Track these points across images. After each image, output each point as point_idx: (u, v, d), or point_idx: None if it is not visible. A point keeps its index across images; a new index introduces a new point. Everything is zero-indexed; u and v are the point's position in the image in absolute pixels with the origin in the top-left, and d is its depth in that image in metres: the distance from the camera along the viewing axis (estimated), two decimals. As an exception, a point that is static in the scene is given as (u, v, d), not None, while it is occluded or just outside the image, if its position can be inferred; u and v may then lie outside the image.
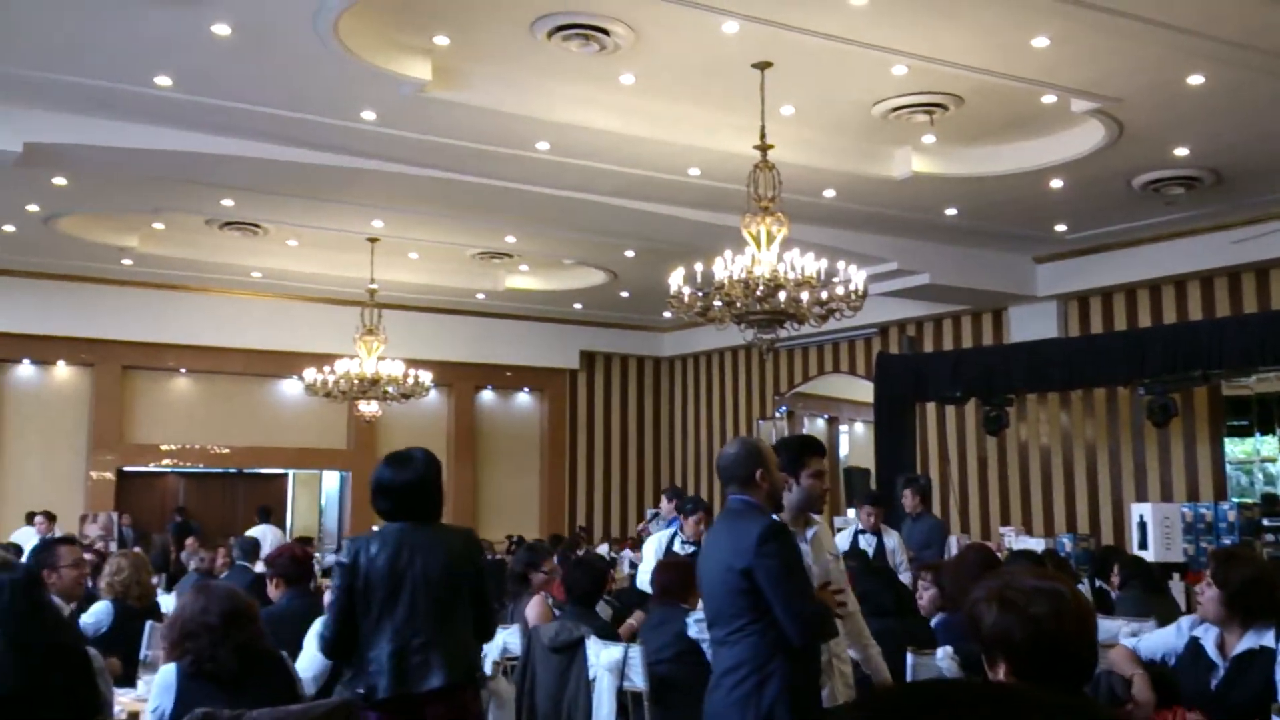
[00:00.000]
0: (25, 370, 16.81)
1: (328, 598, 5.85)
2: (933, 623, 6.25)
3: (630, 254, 15.11)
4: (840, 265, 9.07)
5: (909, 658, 5.64)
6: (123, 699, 5.03)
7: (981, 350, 15.03)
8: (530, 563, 7.52)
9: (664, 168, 11.18)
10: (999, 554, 8.11)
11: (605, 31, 8.55)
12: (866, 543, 9.50)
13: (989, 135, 10.91)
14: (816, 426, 20.50)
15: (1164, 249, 13.49)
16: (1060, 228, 13.41)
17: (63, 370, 17.00)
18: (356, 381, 14.70)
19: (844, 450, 21.06)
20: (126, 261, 15.42)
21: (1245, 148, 10.57)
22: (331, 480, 19.74)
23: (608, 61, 9.14)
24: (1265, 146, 10.55)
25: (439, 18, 8.56)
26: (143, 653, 5.80)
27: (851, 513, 16.80)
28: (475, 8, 8.40)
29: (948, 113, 10.10)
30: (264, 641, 4.33)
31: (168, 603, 8.12)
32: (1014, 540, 12.54)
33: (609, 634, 6.32)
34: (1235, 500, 12.87)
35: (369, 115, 9.93)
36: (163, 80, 9.22)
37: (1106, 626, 6.37)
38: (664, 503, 11.12)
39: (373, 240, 14.47)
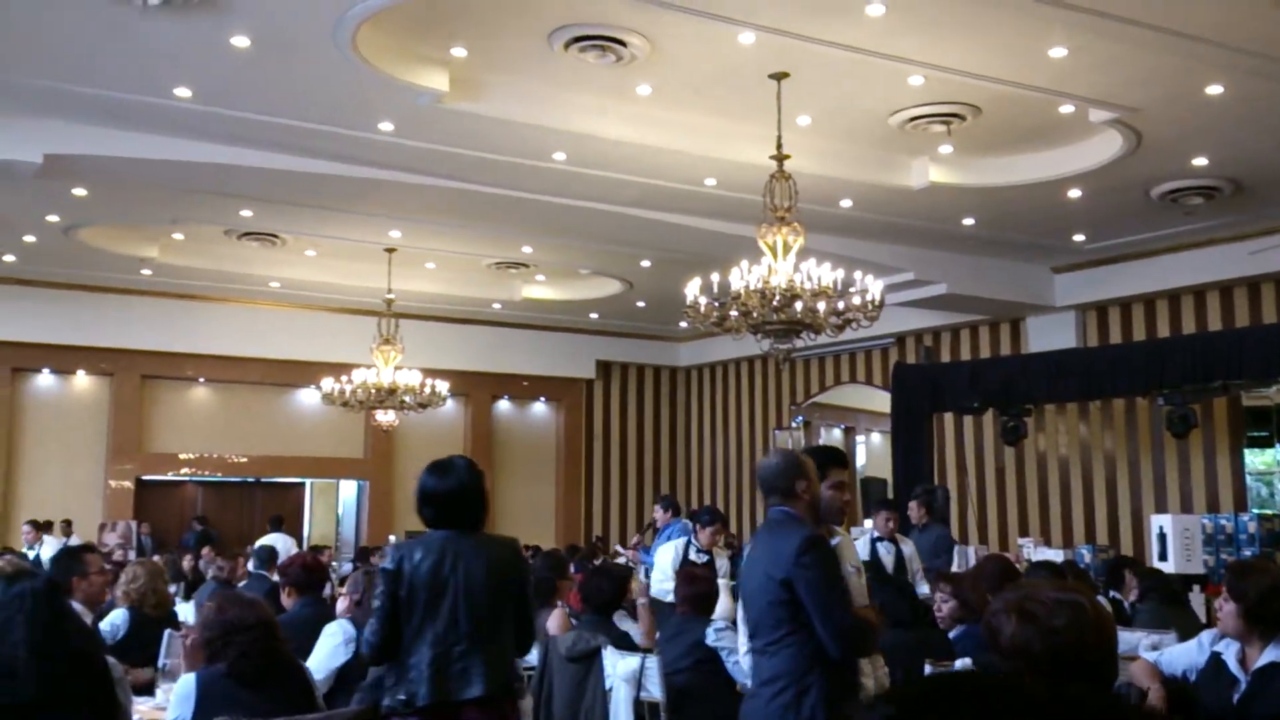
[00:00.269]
0: (45, 380, 16.89)
1: (340, 605, 5.88)
2: (952, 635, 6.23)
3: (646, 264, 15.12)
4: (857, 275, 9.05)
5: (927, 669, 5.62)
6: (141, 707, 5.04)
7: (999, 360, 14.99)
8: (556, 572, 7.53)
9: (680, 178, 11.19)
10: (1018, 565, 8.07)
11: (622, 43, 8.57)
12: (885, 550, 9.45)
13: (1006, 145, 10.89)
14: (833, 437, 20.46)
15: (1183, 259, 13.44)
16: (1078, 238, 13.37)
17: (82, 380, 17.08)
18: (374, 391, 14.74)
19: (861, 461, 21.01)
20: (146, 272, 15.50)
21: (1264, 157, 10.52)
22: (349, 489, 19.76)
23: (624, 72, 9.15)
24: (1285, 156, 10.51)
25: (456, 29, 8.59)
26: (160, 661, 5.81)
27: (869, 523, 16.83)
28: (492, 19, 8.42)
29: (965, 123, 10.08)
30: (286, 651, 4.35)
31: (185, 611, 8.14)
32: (1033, 551, 12.48)
33: (626, 644, 6.32)
34: (1256, 511, 12.80)
35: (386, 126, 9.96)
36: (182, 92, 9.27)
37: (1126, 639, 6.34)
38: (658, 511, 11.09)
39: (390, 250, 14.51)
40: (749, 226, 9.61)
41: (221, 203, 12.31)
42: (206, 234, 14.23)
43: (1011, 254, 14.04)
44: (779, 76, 9.06)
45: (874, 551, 9.35)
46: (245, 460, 17.94)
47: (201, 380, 17.73)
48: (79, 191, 11.67)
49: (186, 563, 13.05)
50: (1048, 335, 14.76)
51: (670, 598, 8.10)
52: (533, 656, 6.77)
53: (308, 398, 17.67)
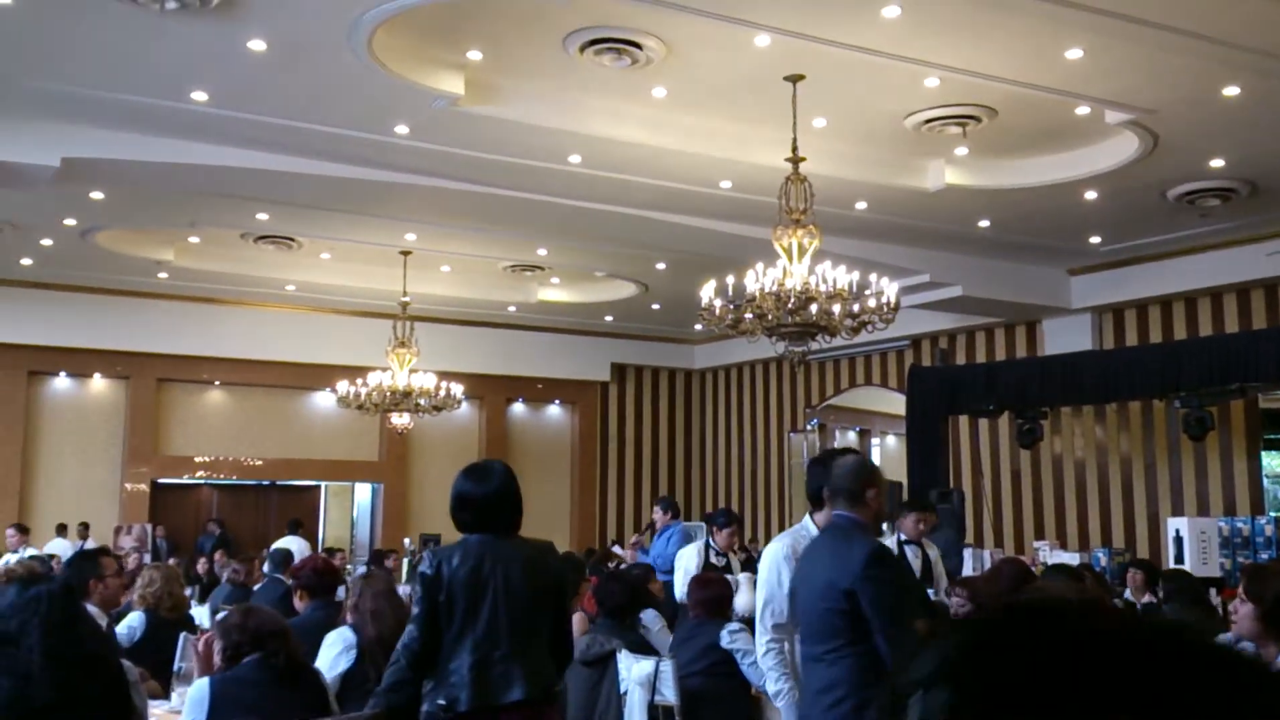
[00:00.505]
0: (62, 383, 16.96)
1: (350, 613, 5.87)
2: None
3: (661, 266, 15.12)
4: (872, 277, 9.04)
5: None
6: (156, 710, 5.06)
7: (1015, 363, 14.95)
8: (575, 575, 7.54)
9: (696, 180, 11.18)
10: (1033, 568, 8.04)
11: (637, 45, 8.57)
12: (912, 554, 9.38)
13: (1022, 147, 10.86)
14: (848, 439, 20.42)
15: (1199, 261, 13.39)
16: (1094, 240, 13.33)
17: (98, 383, 17.14)
18: (389, 394, 14.76)
19: (876, 464, 20.94)
20: (162, 275, 15.55)
21: (1282, 159, 10.49)
22: (364, 492, 19.79)
23: (640, 75, 9.15)
24: (1302, 158, 10.47)
25: (472, 33, 8.61)
26: (176, 664, 5.82)
27: (885, 526, 16.79)
28: (508, 23, 8.43)
29: (981, 125, 10.06)
30: (300, 656, 4.37)
31: (200, 614, 8.16)
32: (1048, 554, 12.44)
33: (641, 647, 6.31)
34: (1273, 514, 12.76)
35: (402, 129, 9.98)
36: (199, 95, 9.30)
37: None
38: (657, 512, 11.06)
39: (405, 253, 14.54)
40: (764, 229, 9.60)
41: (237, 206, 12.35)
42: (222, 237, 14.28)
43: (1027, 256, 14.00)
44: (794, 79, 9.06)
45: (901, 555, 9.30)
46: (260, 463, 17.98)
47: (217, 383, 17.78)
48: (96, 195, 11.72)
49: (201, 565, 13.10)
50: (1064, 337, 14.72)
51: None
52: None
53: (323, 400, 17.71)
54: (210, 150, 10.42)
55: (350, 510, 20.06)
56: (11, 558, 12.69)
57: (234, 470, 17.83)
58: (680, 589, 8.49)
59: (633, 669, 6.02)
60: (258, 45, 8.31)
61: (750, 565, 9.39)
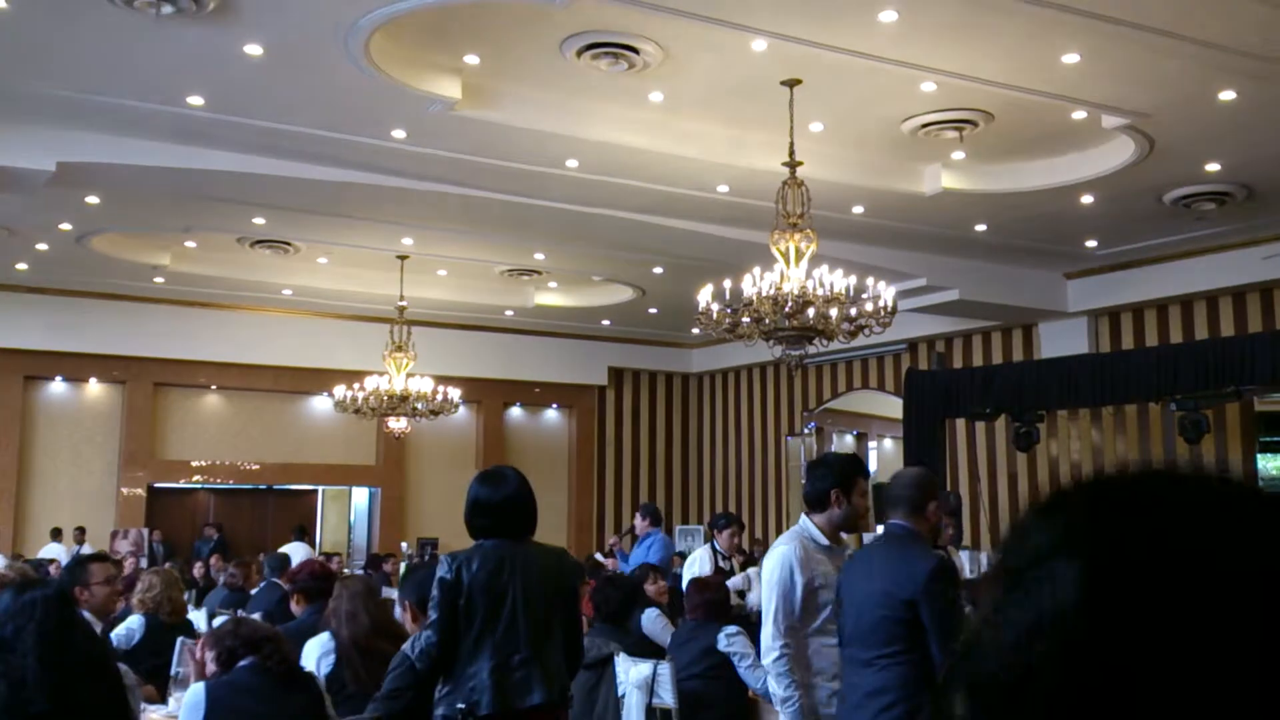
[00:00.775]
0: (58, 387, 16.94)
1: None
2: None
3: (659, 271, 15.12)
4: (869, 281, 9.05)
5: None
6: (153, 715, 5.05)
7: (1012, 366, 14.94)
8: (580, 578, 7.54)
9: (693, 185, 11.19)
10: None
11: (634, 50, 8.57)
12: None
13: (1019, 151, 10.87)
14: (845, 443, 20.42)
15: (1196, 264, 13.41)
16: (1091, 243, 13.34)
17: (95, 387, 17.12)
18: (386, 398, 14.75)
19: (873, 467, 20.95)
20: (158, 279, 15.54)
21: (1277, 163, 10.49)
22: (361, 496, 19.78)
23: (637, 80, 9.16)
24: (1298, 161, 10.49)
25: (469, 37, 8.61)
26: (173, 669, 5.82)
27: (880, 529, 16.80)
28: (505, 27, 8.43)
29: (977, 129, 10.07)
30: (295, 660, 4.37)
31: (197, 618, 8.16)
32: (1045, 558, 12.43)
33: (639, 649, 6.32)
34: (1269, 517, 12.74)
35: (399, 134, 9.97)
36: (194, 100, 9.29)
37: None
38: (638, 519, 10.98)
39: (402, 258, 14.54)
40: (761, 233, 9.60)
41: (234, 210, 12.34)
42: (219, 242, 14.27)
43: (1024, 260, 14.02)
44: (791, 83, 9.06)
45: None
46: (257, 467, 17.97)
47: (214, 388, 17.76)
48: (92, 199, 11.71)
49: (197, 570, 13.08)
50: (1060, 341, 14.74)
51: None
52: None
53: (320, 405, 17.71)
54: (206, 155, 10.41)
55: (347, 515, 20.04)
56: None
57: (231, 475, 17.82)
58: None
59: (630, 672, 6.02)
60: (254, 50, 8.31)
61: (750, 566, 9.41)
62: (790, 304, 8.55)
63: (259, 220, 12.87)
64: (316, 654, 5.19)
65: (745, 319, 8.80)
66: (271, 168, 10.67)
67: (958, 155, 10.78)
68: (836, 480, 4.54)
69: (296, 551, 13.72)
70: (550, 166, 10.69)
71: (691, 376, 21.21)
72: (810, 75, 8.95)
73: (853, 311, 8.80)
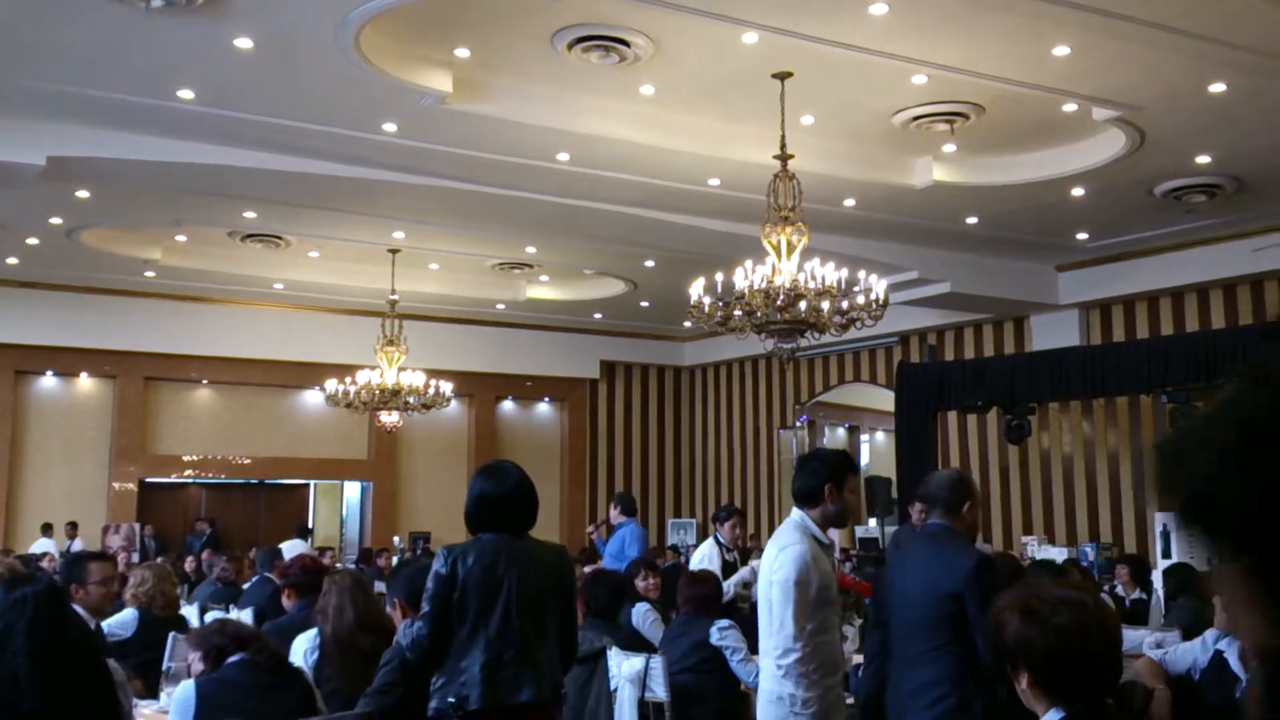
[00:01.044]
0: (48, 382, 16.91)
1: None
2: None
3: (650, 264, 15.12)
4: (861, 274, 9.05)
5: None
6: (145, 710, 5.05)
7: (1003, 359, 14.97)
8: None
9: (684, 178, 11.19)
10: (1023, 564, 8.06)
11: (625, 43, 8.57)
12: None
13: (1010, 144, 10.89)
14: (837, 436, 20.46)
15: (1186, 257, 13.44)
16: (1082, 236, 13.36)
17: (85, 382, 17.09)
18: (378, 392, 14.74)
19: (865, 460, 21.01)
20: (149, 274, 15.51)
21: (1267, 155, 10.52)
22: (353, 490, 19.77)
23: (628, 73, 9.15)
24: (1288, 154, 10.51)
25: (460, 30, 8.59)
26: (165, 664, 5.81)
27: (873, 522, 16.82)
28: (496, 20, 8.42)
29: (968, 122, 10.08)
30: (284, 656, 4.37)
31: (190, 613, 8.15)
32: (1037, 549, 12.48)
33: (631, 645, 6.32)
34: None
35: (390, 127, 9.96)
36: (185, 94, 9.28)
37: (1130, 637, 6.33)
38: (612, 510, 10.90)
39: (394, 251, 14.53)
40: (753, 226, 9.61)
41: (225, 204, 12.32)
42: (210, 236, 14.25)
43: (1015, 252, 14.04)
44: (782, 76, 9.06)
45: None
46: (249, 462, 17.95)
47: (205, 382, 17.74)
48: (82, 194, 11.68)
49: (189, 564, 13.05)
50: (1051, 334, 14.77)
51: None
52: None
53: (311, 399, 17.70)
54: (197, 149, 10.39)
55: (339, 509, 20.03)
56: None
57: (222, 469, 17.79)
58: None
59: (623, 666, 6.02)
60: (244, 43, 8.30)
61: (746, 558, 9.40)
62: (782, 297, 8.56)
63: (250, 214, 12.85)
64: (304, 649, 5.18)
65: (737, 312, 8.80)
66: (262, 161, 10.65)
67: (949, 148, 10.78)
68: (829, 475, 4.55)
69: (295, 549, 13.71)
70: (541, 160, 10.69)
71: (683, 370, 21.23)
72: (801, 68, 8.95)
73: (844, 304, 8.81)
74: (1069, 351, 13.52)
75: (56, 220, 12.84)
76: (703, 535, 20.02)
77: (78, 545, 15.34)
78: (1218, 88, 9.00)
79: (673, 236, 13.03)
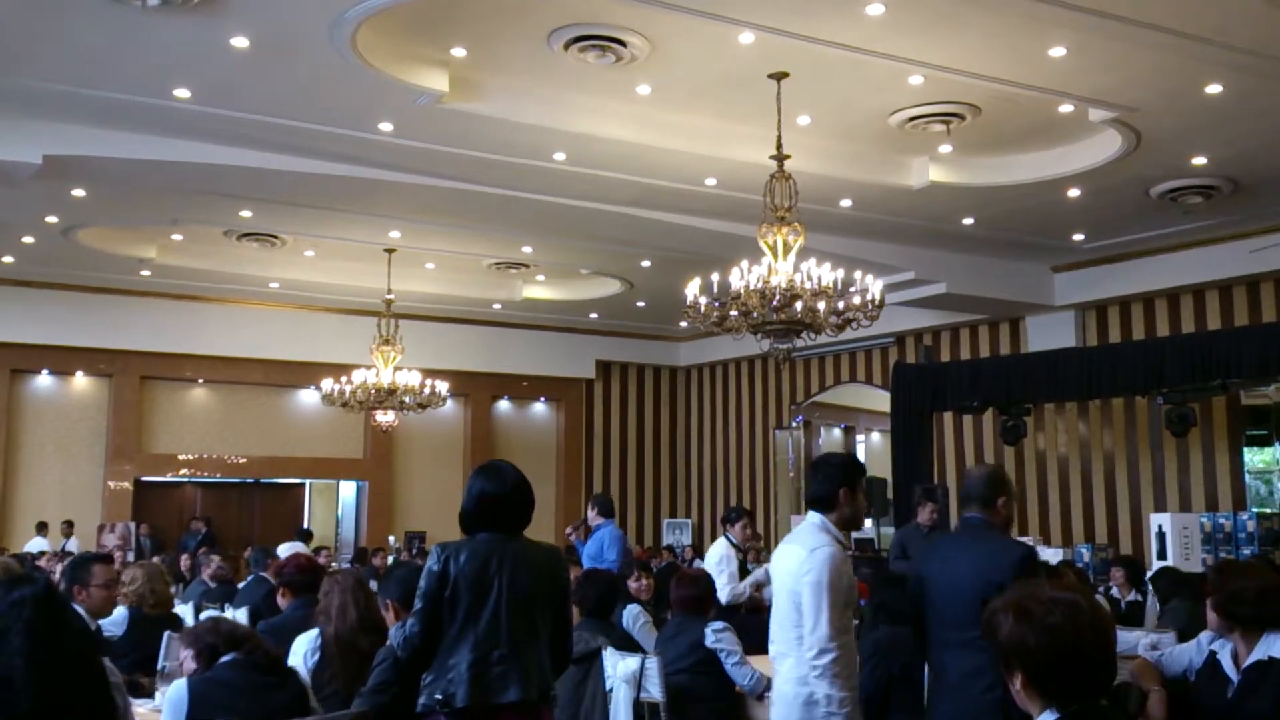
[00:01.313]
0: (44, 381, 16.88)
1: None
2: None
3: (646, 264, 15.12)
4: (857, 275, 9.05)
5: (927, 667, 5.61)
6: (140, 709, 5.04)
7: (999, 360, 14.98)
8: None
9: (680, 178, 11.19)
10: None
11: (622, 43, 8.57)
12: None
13: (1006, 145, 10.89)
14: (833, 436, 20.46)
15: (1182, 258, 13.44)
16: (1078, 237, 13.37)
17: (81, 381, 17.07)
18: (373, 391, 14.73)
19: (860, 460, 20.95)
20: (145, 272, 15.50)
21: (1264, 156, 10.53)
22: (348, 490, 19.76)
23: (624, 72, 9.15)
24: (1284, 155, 10.52)
25: (456, 30, 8.59)
26: (160, 663, 5.80)
27: (869, 523, 16.79)
28: (492, 19, 8.42)
29: (965, 122, 10.08)
30: (278, 655, 4.36)
31: (184, 612, 8.14)
32: (1032, 550, 12.45)
33: (626, 644, 6.32)
34: (1255, 510, 12.81)
35: (386, 126, 9.95)
36: (181, 92, 9.26)
37: (1125, 638, 6.34)
38: (590, 511, 10.81)
39: (390, 251, 14.51)
40: (749, 226, 9.61)
41: (221, 203, 12.30)
42: (206, 235, 14.23)
43: (1011, 253, 14.04)
44: (778, 76, 9.06)
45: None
46: (244, 461, 17.93)
47: (201, 381, 17.72)
48: (78, 192, 11.66)
49: (184, 563, 13.04)
50: (1047, 334, 14.77)
51: (730, 600, 8.14)
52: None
53: (307, 398, 17.69)
54: (193, 147, 10.38)
55: (335, 508, 20.01)
56: None
57: (217, 468, 17.77)
58: (722, 592, 8.32)
59: (618, 666, 6.02)
60: (240, 42, 8.29)
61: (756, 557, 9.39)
62: (778, 297, 8.56)
63: (246, 213, 12.83)
64: (304, 649, 5.17)
65: (733, 312, 8.80)
66: (258, 160, 10.65)
67: (945, 149, 10.79)
68: (844, 480, 4.64)
69: (287, 549, 13.67)
70: (538, 159, 10.68)
71: (679, 370, 21.22)
72: (798, 68, 8.95)
73: (840, 305, 8.81)
74: (1065, 352, 13.53)
75: (52, 219, 12.82)
76: (698, 535, 20.08)
77: (73, 544, 15.34)
78: (1214, 89, 9.00)
79: (669, 236, 13.03)
